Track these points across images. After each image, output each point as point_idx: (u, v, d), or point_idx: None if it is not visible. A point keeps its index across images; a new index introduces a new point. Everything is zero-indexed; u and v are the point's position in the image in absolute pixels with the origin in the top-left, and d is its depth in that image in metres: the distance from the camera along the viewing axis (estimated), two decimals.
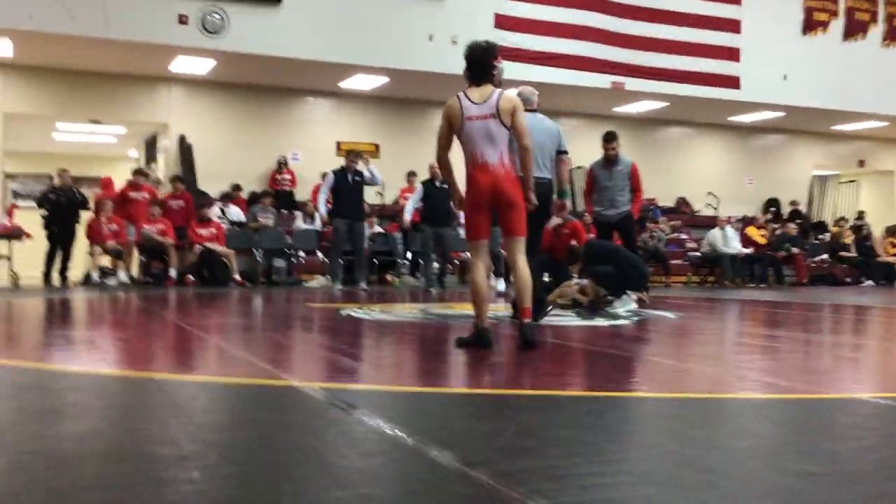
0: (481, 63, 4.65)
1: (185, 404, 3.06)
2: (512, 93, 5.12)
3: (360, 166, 11.21)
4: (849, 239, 17.17)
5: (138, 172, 13.65)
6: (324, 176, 14.01)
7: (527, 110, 6.65)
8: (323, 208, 11.29)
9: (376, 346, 5.38)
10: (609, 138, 8.53)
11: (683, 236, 16.75)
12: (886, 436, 2.68)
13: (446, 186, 10.14)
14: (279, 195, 14.62)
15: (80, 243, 12.60)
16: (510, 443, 2.48)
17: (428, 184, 11.25)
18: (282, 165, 14.97)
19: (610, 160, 8.53)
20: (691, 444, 2.48)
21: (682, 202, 18.23)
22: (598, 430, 2.68)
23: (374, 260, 13.42)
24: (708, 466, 2.20)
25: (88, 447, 2.30)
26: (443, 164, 4.83)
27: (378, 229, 13.91)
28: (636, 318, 6.95)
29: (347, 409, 2.87)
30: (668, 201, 17.98)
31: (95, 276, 11.93)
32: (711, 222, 16.30)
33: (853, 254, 16.92)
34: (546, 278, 9.71)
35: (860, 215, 18.66)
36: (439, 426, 2.67)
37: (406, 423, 2.67)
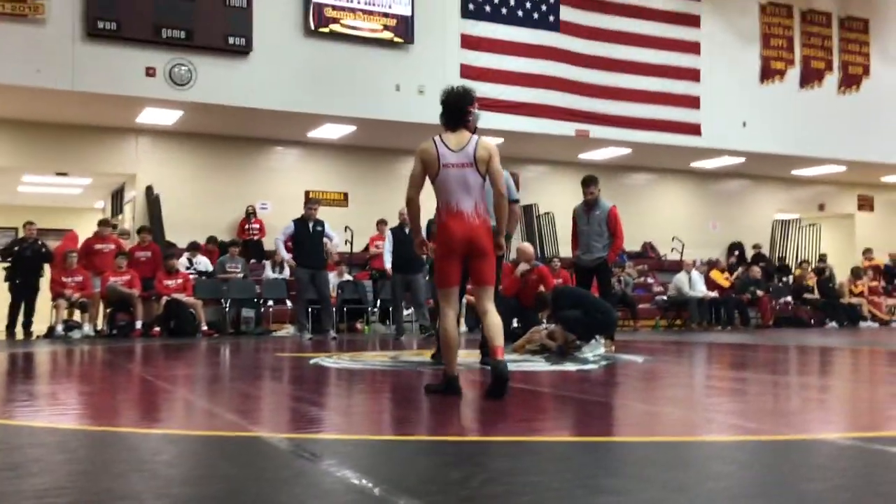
0: (457, 108, 4.68)
1: (149, 458, 3.02)
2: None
3: (327, 228, 11.18)
4: (812, 281, 17.44)
5: (104, 223, 13.55)
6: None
7: None
8: (287, 254, 11.23)
9: (345, 394, 5.35)
10: (587, 182, 8.58)
11: (650, 280, 16.91)
12: (853, 476, 2.71)
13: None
14: (248, 244, 14.58)
15: (45, 295, 12.43)
16: (478, 490, 2.47)
17: (397, 230, 11.26)
18: (250, 215, 14.95)
19: (588, 205, 8.59)
20: (659, 488, 2.49)
21: (648, 246, 18.45)
22: (567, 474, 2.68)
23: (344, 308, 13.37)
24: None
25: (49, 503, 2.25)
26: (412, 205, 4.74)
27: (347, 277, 13.88)
28: (605, 363, 6.98)
29: (314, 460, 2.85)
30: (634, 246, 18.17)
31: (60, 328, 11.75)
32: (677, 266, 16.50)
33: (816, 296, 17.18)
34: (515, 324, 9.75)
35: (822, 258, 19.00)
36: (407, 474, 2.65)
37: (374, 472, 2.65)
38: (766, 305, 16.24)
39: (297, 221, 11.01)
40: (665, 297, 15.79)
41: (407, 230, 10.82)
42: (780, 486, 2.54)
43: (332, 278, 13.19)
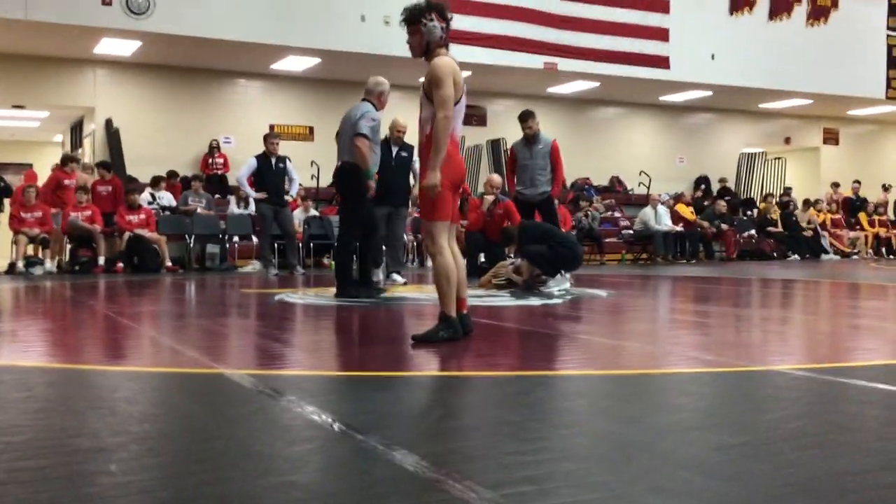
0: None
1: (108, 395, 3.00)
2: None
3: (289, 166, 11.00)
4: (776, 214, 17.65)
5: (69, 159, 13.27)
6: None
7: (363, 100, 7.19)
8: (251, 190, 11.02)
9: (309, 331, 5.35)
10: (524, 117, 8.58)
11: (617, 215, 17.00)
12: (803, 405, 2.77)
13: (405, 154, 8.90)
14: (211, 179, 14.38)
15: (5, 232, 12.22)
16: (436, 425, 2.49)
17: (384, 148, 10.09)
18: (214, 149, 14.72)
19: (529, 139, 8.59)
20: (614, 420, 2.52)
21: (616, 181, 18.50)
22: (524, 408, 2.71)
23: (311, 244, 13.31)
24: (628, 441, 2.24)
25: (4, 441, 2.24)
26: (449, 126, 4.16)
27: (313, 213, 13.78)
28: (569, 297, 7.04)
29: (275, 396, 2.85)
30: (601, 180, 18.22)
31: (21, 265, 11.58)
32: (644, 200, 16.58)
33: (780, 229, 17.41)
34: (481, 259, 9.78)
35: (786, 191, 19.21)
36: (366, 410, 2.66)
37: (333, 408, 2.66)
38: (730, 239, 16.43)
39: (259, 157, 10.83)
40: (631, 232, 15.91)
41: (395, 151, 8.92)
42: (733, 417, 2.59)
43: (299, 213, 13.10)
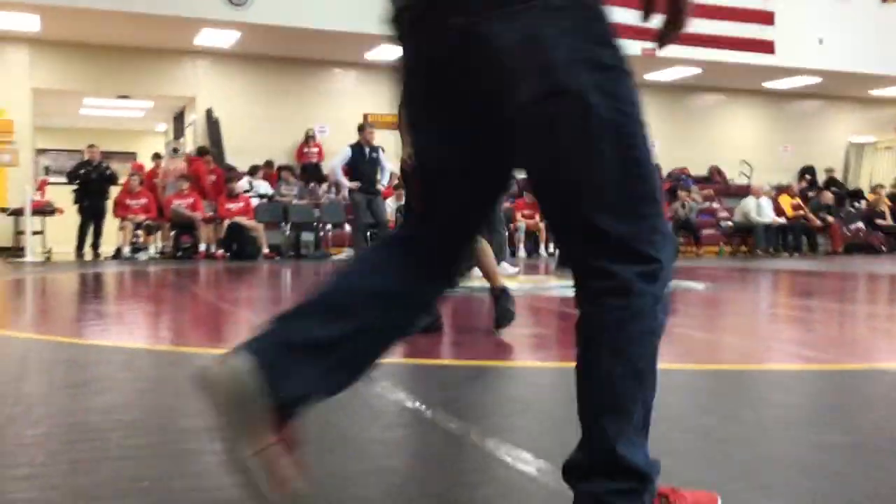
0: None
1: None
2: None
3: (382, 156, 11.08)
4: (885, 207, 16.86)
5: (205, 151, 13.72)
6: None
7: None
8: (345, 179, 11.17)
9: None
10: None
11: (715, 205, 16.56)
12: None
13: None
14: (306, 168, 14.68)
15: (112, 218, 12.78)
16: (529, 415, 2.48)
17: None
18: (309, 138, 15.01)
19: None
20: (712, 416, 2.46)
21: (715, 171, 18.01)
22: None
23: None
24: (727, 437, 2.18)
25: (114, 419, 2.34)
26: None
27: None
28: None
29: (369, 382, 2.89)
30: (700, 170, 17.76)
31: (126, 250, 12.09)
32: (744, 191, 16.09)
33: (890, 222, 16.63)
34: None
35: None
36: (460, 398, 2.68)
37: (427, 395, 2.68)
38: (836, 232, 15.80)
39: (353, 146, 10.98)
40: (730, 223, 15.47)
41: None
42: (836, 415, 2.50)
43: (391, 203, 13.24)
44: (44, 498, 1.67)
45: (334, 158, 11.46)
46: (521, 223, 13.76)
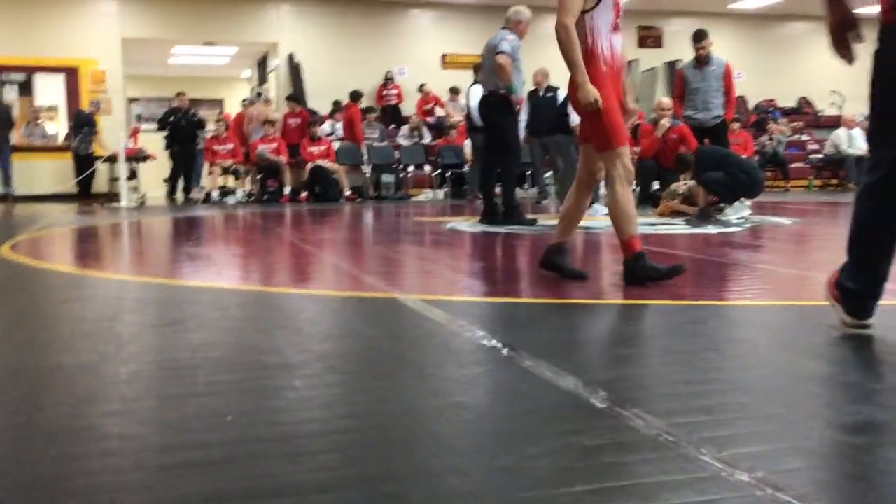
0: None
1: (293, 316, 3.19)
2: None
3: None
4: None
5: (293, 98, 13.88)
6: (420, 88, 14.03)
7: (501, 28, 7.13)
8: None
9: (478, 258, 5.42)
10: (699, 37, 8.22)
11: (805, 138, 15.95)
12: None
13: (550, 95, 9.94)
14: (385, 110, 14.70)
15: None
16: (606, 352, 2.48)
17: (532, 94, 10.81)
18: (388, 80, 15.00)
19: (701, 60, 8.23)
20: (795, 353, 2.41)
21: (804, 102, 17.30)
22: (699, 338, 2.64)
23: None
24: (809, 374, 2.14)
25: (201, 357, 2.43)
26: (569, 33, 3.58)
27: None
28: (749, 226, 6.73)
29: (447, 321, 2.93)
30: (788, 102, 17.10)
31: (215, 194, 12.41)
32: (835, 122, 15.43)
33: None
34: (655, 186, 9.50)
35: None
36: (535, 336, 2.69)
37: (502, 333, 2.70)
38: None
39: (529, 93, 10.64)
40: (820, 156, 14.89)
41: (541, 93, 10.41)
42: None
43: (470, 143, 13.15)
44: (134, 432, 1.76)
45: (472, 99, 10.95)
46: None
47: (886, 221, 2.52)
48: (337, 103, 14.23)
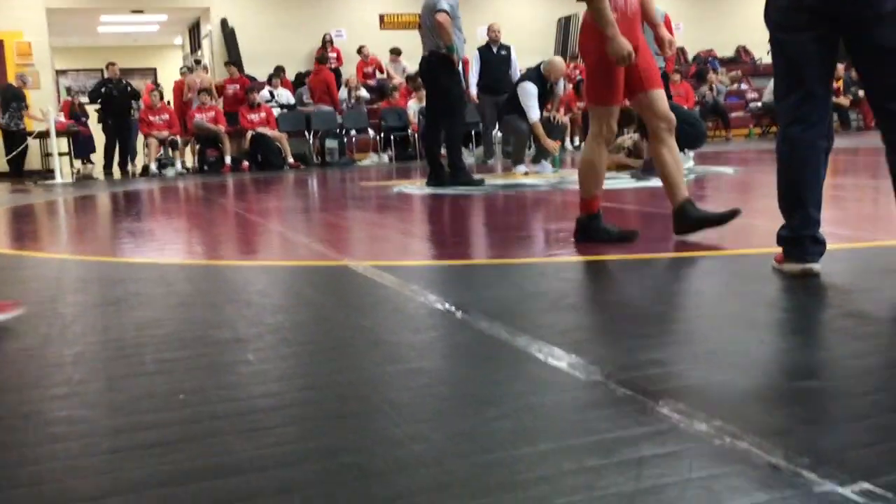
0: None
1: (242, 288, 3.14)
2: None
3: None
4: None
5: (196, 63, 13.64)
6: (359, 51, 13.89)
7: None
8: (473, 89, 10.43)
9: (428, 221, 5.39)
10: None
11: (744, 87, 16.16)
12: None
13: (504, 53, 10.08)
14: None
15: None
16: (558, 310, 2.48)
17: (483, 49, 10.58)
18: (326, 43, 14.74)
19: None
20: (746, 301, 2.44)
21: (742, 51, 17.50)
22: (649, 291, 2.66)
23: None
24: (759, 322, 2.17)
25: (149, 335, 2.37)
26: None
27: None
28: (693, 177, 6.81)
29: (399, 286, 2.90)
30: (726, 51, 17.27)
31: (153, 166, 12.13)
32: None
33: None
34: None
35: None
36: (488, 297, 2.68)
37: (456, 296, 2.68)
38: (867, 106, 15.38)
39: (481, 49, 10.39)
40: (759, 105, 15.11)
41: (495, 49, 10.20)
42: (868, 293, 2.47)
43: (413, 104, 13.05)
44: (82, 416, 1.70)
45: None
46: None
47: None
48: (279, 69, 13.95)
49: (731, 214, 3.58)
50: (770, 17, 2.69)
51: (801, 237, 2.61)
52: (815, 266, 2.62)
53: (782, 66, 2.67)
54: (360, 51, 14.68)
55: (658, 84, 3.67)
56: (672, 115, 3.69)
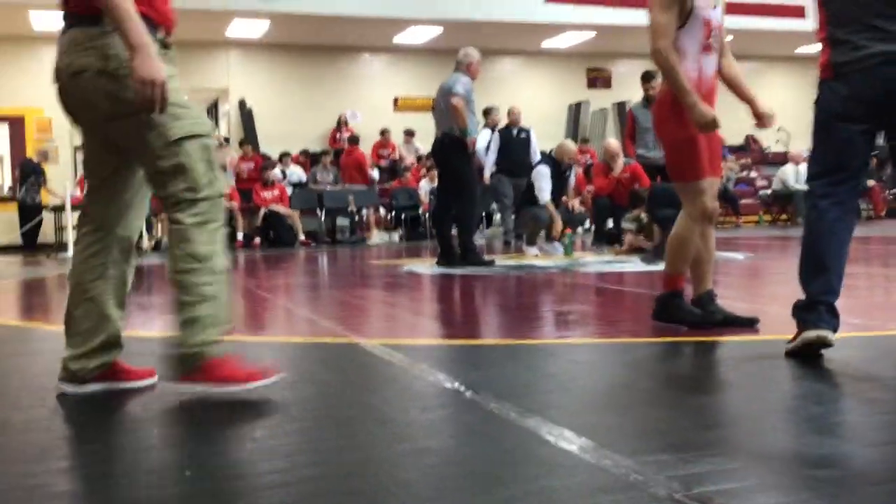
0: None
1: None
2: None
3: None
4: None
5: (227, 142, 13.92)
6: (382, 133, 14.25)
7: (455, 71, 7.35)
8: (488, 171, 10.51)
9: (438, 300, 5.39)
10: (647, 78, 8.38)
11: (753, 174, 16.30)
12: None
13: (524, 136, 10.24)
14: (339, 154, 14.71)
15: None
16: (569, 392, 2.46)
17: (504, 131, 10.67)
18: (341, 124, 15.04)
19: (650, 100, 8.35)
20: (758, 386, 2.41)
21: (751, 140, 17.72)
22: (661, 375, 2.64)
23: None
24: (771, 406, 2.14)
25: (156, 408, 2.36)
26: (668, 59, 3.33)
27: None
28: None
29: (408, 365, 2.89)
30: (736, 140, 17.49)
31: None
32: (782, 159, 15.82)
33: None
34: (609, 225, 9.61)
35: None
36: (498, 378, 2.66)
37: (465, 376, 2.67)
38: (878, 196, 15.48)
39: (501, 131, 10.50)
40: (769, 192, 15.22)
41: (515, 131, 10.33)
42: (885, 380, 2.44)
43: (425, 185, 13.22)
44: (85, 490, 1.68)
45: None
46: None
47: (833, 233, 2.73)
48: (286, 154, 14.17)
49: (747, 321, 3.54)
50: (825, 103, 2.77)
51: (818, 303, 2.62)
52: (830, 335, 2.60)
53: (827, 151, 2.75)
54: (383, 133, 14.95)
55: (719, 172, 3.62)
56: (717, 209, 3.61)
